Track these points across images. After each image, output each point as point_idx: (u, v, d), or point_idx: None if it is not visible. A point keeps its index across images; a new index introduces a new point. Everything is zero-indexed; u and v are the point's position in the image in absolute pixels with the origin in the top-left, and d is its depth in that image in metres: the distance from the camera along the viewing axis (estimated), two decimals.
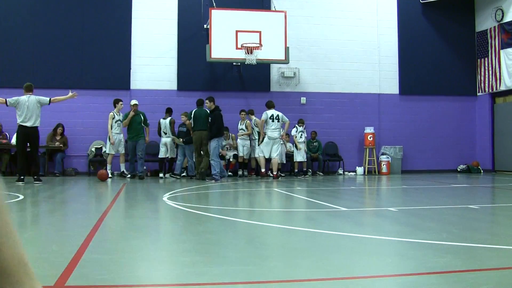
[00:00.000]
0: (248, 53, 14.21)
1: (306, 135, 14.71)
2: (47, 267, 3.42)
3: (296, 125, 14.71)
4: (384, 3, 16.64)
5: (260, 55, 14.28)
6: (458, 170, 16.69)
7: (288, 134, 14.75)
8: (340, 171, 15.70)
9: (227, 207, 7.33)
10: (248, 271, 3.39)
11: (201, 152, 12.65)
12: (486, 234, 4.93)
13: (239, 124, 14.33)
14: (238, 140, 14.25)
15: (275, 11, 15.21)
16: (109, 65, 14.83)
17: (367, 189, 11.43)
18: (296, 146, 14.51)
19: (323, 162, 15.61)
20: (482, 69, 16.96)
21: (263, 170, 13.36)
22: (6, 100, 10.85)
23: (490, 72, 16.59)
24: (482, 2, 16.93)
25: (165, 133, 13.94)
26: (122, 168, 13.58)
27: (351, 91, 16.23)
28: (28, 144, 10.95)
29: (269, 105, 13.53)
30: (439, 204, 7.60)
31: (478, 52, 17.09)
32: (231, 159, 14.25)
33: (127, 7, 15.15)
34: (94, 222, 5.39)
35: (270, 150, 13.25)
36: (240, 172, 14.35)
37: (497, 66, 16.30)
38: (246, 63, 14.35)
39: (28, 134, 10.80)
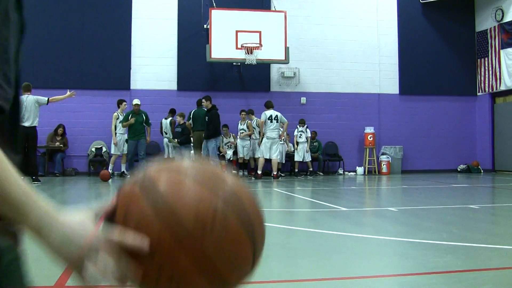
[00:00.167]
0: (248, 53, 14.21)
1: (308, 135, 14.63)
2: (47, 267, 3.42)
3: (298, 126, 14.72)
4: (384, 3, 16.63)
5: (260, 55, 14.27)
6: (458, 170, 16.68)
7: (289, 134, 14.75)
8: (340, 171, 15.69)
9: None
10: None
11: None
12: (486, 234, 4.93)
13: (239, 124, 14.32)
14: (238, 140, 14.24)
15: (275, 11, 15.20)
16: (109, 65, 14.83)
17: (367, 189, 11.43)
18: (295, 147, 14.51)
19: (323, 162, 15.60)
20: (482, 69, 16.95)
21: (259, 172, 13.33)
22: None
23: (490, 72, 16.58)
24: (482, 2, 16.93)
25: (166, 133, 13.96)
26: (123, 169, 13.58)
27: (351, 91, 16.22)
28: (26, 144, 10.95)
29: (268, 106, 13.55)
30: (439, 204, 7.60)
31: (478, 52, 17.09)
32: (231, 158, 14.25)
33: (127, 7, 15.15)
34: None
35: (269, 150, 13.28)
36: (240, 173, 14.35)
37: (497, 66, 16.29)
38: (246, 63, 14.34)
39: (26, 134, 10.79)
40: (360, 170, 15.81)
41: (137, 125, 12.93)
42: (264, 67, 15.43)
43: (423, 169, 16.36)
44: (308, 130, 14.69)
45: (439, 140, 16.76)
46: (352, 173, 15.75)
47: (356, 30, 16.32)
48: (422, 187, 10.92)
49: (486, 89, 16.73)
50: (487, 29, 16.59)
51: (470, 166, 16.52)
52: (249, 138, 14.15)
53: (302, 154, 14.52)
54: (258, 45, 14.23)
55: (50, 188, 10.34)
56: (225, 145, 14.37)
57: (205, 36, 14.74)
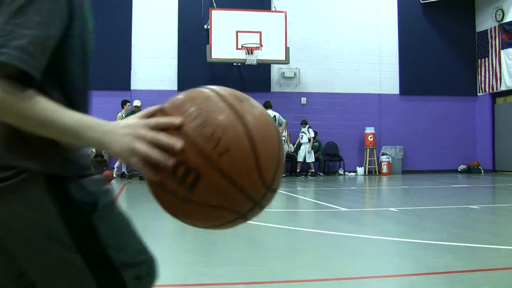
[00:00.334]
0: (249, 54, 14.21)
1: (311, 135, 14.57)
2: None
3: (301, 126, 14.73)
4: (384, 3, 16.62)
5: (261, 55, 14.27)
6: (459, 170, 16.66)
7: (290, 135, 14.76)
8: (341, 171, 15.67)
9: None
10: (248, 272, 3.39)
11: None
12: (486, 234, 4.92)
13: None
14: None
15: (276, 11, 15.19)
16: (109, 65, 14.82)
17: (367, 189, 11.43)
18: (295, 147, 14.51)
19: (323, 162, 15.59)
20: (483, 69, 16.94)
21: None
22: None
23: (491, 72, 16.57)
24: (482, 2, 16.92)
25: None
26: (123, 169, 13.57)
27: (351, 91, 16.21)
28: None
29: (266, 106, 13.63)
30: (439, 204, 7.59)
31: (479, 52, 17.08)
32: None
33: (127, 8, 15.14)
34: None
35: None
36: None
37: (497, 66, 16.28)
38: (246, 63, 14.33)
39: None
40: (360, 170, 15.81)
41: None
42: (264, 67, 15.43)
43: (423, 169, 16.36)
44: (310, 130, 14.65)
45: (439, 140, 16.75)
46: (352, 174, 15.74)
47: (356, 30, 16.32)
48: (423, 187, 10.92)
49: (487, 89, 16.73)
50: (487, 29, 16.59)
51: (470, 166, 16.52)
52: None
53: (303, 154, 14.52)
54: (258, 45, 14.22)
55: None
56: None
57: (206, 36, 14.74)
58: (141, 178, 12.89)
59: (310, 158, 14.56)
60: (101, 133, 1.01)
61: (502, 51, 15.98)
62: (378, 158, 15.87)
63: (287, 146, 14.64)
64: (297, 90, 15.92)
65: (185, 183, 1.00)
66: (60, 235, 1.03)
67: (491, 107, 16.84)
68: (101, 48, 14.90)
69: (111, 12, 15.08)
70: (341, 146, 15.98)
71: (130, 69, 15.08)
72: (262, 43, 14.25)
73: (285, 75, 15.77)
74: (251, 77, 15.57)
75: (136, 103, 13.14)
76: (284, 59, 14.63)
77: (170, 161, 0.99)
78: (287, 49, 14.57)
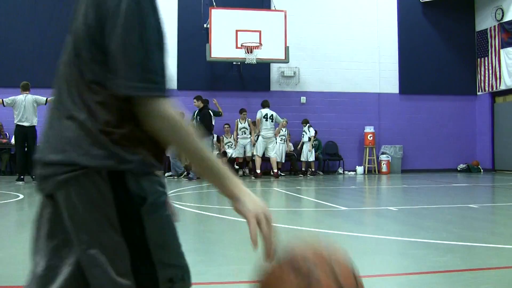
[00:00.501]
0: (248, 53, 14.20)
1: (312, 134, 14.54)
2: None
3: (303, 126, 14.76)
4: (384, 2, 16.62)
5: (260, 54, 14.26)
6: (458, 169, 16.67)
7: (290, 134, 14.77)
8: (340, 171, 15.68)
9: (227, 207, 7.34)
10: (248, 271, 3.39)
11: None
12: (486, 234, 4.93)
13: (239, 123, 14.30)
14: (239, 139, 14.22)
15: (275, 10, 15.19)
16: None
17: (367, 188, 11.44)
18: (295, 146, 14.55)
19: (323, 162, 15.60)
20: (482, 69, 16.95)
21: (258, 171, 13.37)
22: (2, 100, 10.83)
23: (490, 71, 16.58)
24: (482, 2, 16.92)
25: None
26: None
27: (351, 91, 16.21)
28: (26, 143, 10.94)
29: (264, 105, 13.70)
30: (439, 204, 7.60)
31: (478, 51, 17.08)
32: (233, 155, 14.23)
33: None
34: None
35: (265, 149, 13.44)
36: (240, 172, 14.33)
37: (497, 65, 16.28)
38: (246, 62, 14.33)
39: (25, 133, 10.79)
40: (360, 169, 15.81)
41: None
42: (264, 66, 15.43)
43: (423, 169, 16.37)
44: (311, 129, 14.63)
45: (439, 139, 16.75)
46: (352, 173, 15.75)
47: (356, 29, 16.32)
48: (422, 187, 10.93)
49: (486, 89, 16.73)
50: (487, 29, 16.59)
51: (470, 166, 16.53)
52: (249, 137, 14.14)
53: (305, 153, 14.52)
54: (258, 44, 14.22)
55: None
56: (225, 144, 14.36)
57: (205, 35, 14.73)
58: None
59: (311, 157, 14.55)
60: (239, 190, 1.27)
61: (501, 51, 15.98)
62: (377, 157, 15.87)
63: (286, 145, 14.64)
64: (297, 89, 15.92)
65: None
66: (111, 218, 1.19)
67: (490, 106, 16.85)
68: None
69: None
70: (340, 145, 15.98)
71: None
72: (262, 42, 14.24)
73: (285, 74, 15.77)
74: (251, 76, 15.56)
75: None
76: (283, 58, 14.63)
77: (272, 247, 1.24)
78: (286, 48, 14.57)
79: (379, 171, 15.73)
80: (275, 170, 13.35)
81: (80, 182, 1.19)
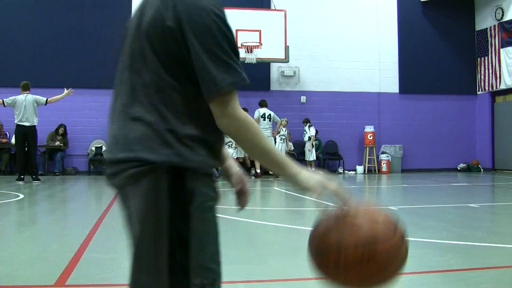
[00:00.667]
0: (248, 52, 14.19)
1: (312, 134, 14.54)
2: (47, 266, 3.42)
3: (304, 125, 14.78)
4: (384, 2, 16.60)
5: (260, 54, 14.25)
6: (458, 169, 16.67)
7: (290, 134, 14.78)
8: (340, 170, 15.68)
9: (227, 206, 7.33)
10: (248, 270, 3.40)
11: None
12: (486, 233, 4.93)
13: None
14: None
15: (275, 10, 15.18)
16: (110, 64, 14.81)
17: (367, 188, 11.43)
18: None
19: (323, 161, 15.60)
20: (482, 68, 16.95)
21: (258, 170, 13.38)
22: (3, 101, 10.81)
23: (490, 70, 16.58)
24: (482, 1, 16.91)
25: None
26: None
27: (351, 90, 16.21)
28: (26, 143, 10.93)
29: (262, 104, 13.74)
30: (439, 203, 7.60)
31: (478, 50, 17.08)
32: (233, 155, 14.24)
33: (126, 6, 15.12)
34: (95, 221, 5.40)
35: None
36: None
37: (497, 64, 16.28)
38: (246, 62, 14.31)
39: (26, 133, 10.78)
40: (360, 169, 15.81)
41: None
42: (264, 66, 15.42)
43: (423, 168, 16.37)
44: (312, 128, 14.62)
45: (439, 139, 16.75)
46: (352, 172, 15.75)
47: (356, 29, 16.31)
48: (422, 186, 10.93)
49: (486, 88, 16.73)
50: (487, 28, 16.58)
51: (470, 165, 16.53)
52: None
53: (306, 153, 14.53)
54: (258, 44, 14.21)
55: (50, 187, 10.35)
56: (225, 144, 14.34)
57: None
58: None
59: (311, 157, 14.56)
60: (297, 171, 1.42)
61: (501, 50, 15.98)
62: (377, 157, 15.87)
63: (286, 145, 14.64)
64: (297, 88, 15.92)
65: None
66: (164, 211, 1.29)
67: (490, 106, 16.85)
68: (101, 47, 14.89)
69: (110, 10, 15.07)
70: (340, 145, 15.98)
71: None
72: (262, 42, 14.24)
73: (285, 74, 15.77)
74: (251, 75, 15.37)
75: None
76: (283, 57, 14.62)
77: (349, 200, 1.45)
78: (286, 48, 14.57)
79: (379, 171, 15.73)
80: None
81: (146, 176, 1.30)
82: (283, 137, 14.23)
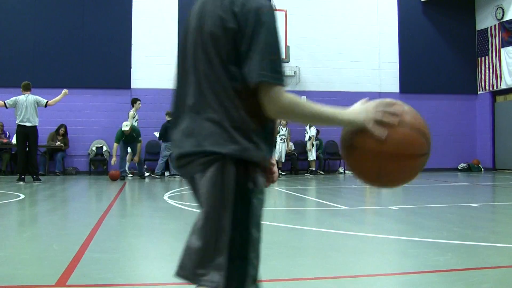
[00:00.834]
0: None
1: (312, 134, 14.55)
2: (48, 266, 3.43)
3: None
4: (384, 1, 16.61)
5: None
6: (459, 168, 16.67)
7: (290, 134, 14.78)
8: (341, 170, 15.69)
9: None
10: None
11: None
12: (486, 233, 4.93)
13: None
14: None
15: (275, 9, 15.16)
16: (110, 64, 14.82)
17: (367, 188, 11.43)
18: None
19: (323, 161, 15.60)
20: (483, 68, 16.94)
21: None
22: (4, 102, 10.79)
23: (491, 70, 16.57)
24: (482, 1, 16.91)
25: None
26: (126, 167, 13.56)
27: (351, 90, 16.21)
28: (27, 143, 10.93)
29: None
30: (439, 203, 7.60)
31: (479, 50, 17.07)
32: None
33: (127, 6, 15.13)
34: (95, 221, 5.40)
35: None
36: None
37: (497, 64, 16.28)
38: None
39: (27, 133, 10.78)
40: None
41: (129, 138, 12.68)
42: None
43: (423, 168, 16.34)
44: (312, 128, 14.62)
45: (439, 138, 16.74)
46: None
47: (356, 28, 16.31)
48: (423, 186, 10.92)
49: (487, 88, 16.73)
50: (487, 28, 16.58)
51: (470, 165, 16.52)
52: None
53: (307, 152, 14.52)
54: None
55: (51, 187, 10.35)
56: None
57: None
58: (141, 177, 12.89)
59: (311, 156, 14.55)
60: (347, 115, 1.56)
61: (502, 50, 15.97)
62: None
63: (286, 145, 14.64)
64: (297, 88, 15.91)
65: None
66: (229, 196, 1.45)
67: (491, 106, 16.84)
68: (102, 47, 14.91)
69: (111, 10, 15.08)
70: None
71: (130, 67, 15.08)
72: None
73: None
74: None
75: (125, 127, 12.45)
76: (284, 57, 14.60)
77: (395, 120, 1.61)
78: (287, 48, 14.57)
79: None
80: None
81: (213, 164, 1.46)
82: (284, 137, 14.23)
